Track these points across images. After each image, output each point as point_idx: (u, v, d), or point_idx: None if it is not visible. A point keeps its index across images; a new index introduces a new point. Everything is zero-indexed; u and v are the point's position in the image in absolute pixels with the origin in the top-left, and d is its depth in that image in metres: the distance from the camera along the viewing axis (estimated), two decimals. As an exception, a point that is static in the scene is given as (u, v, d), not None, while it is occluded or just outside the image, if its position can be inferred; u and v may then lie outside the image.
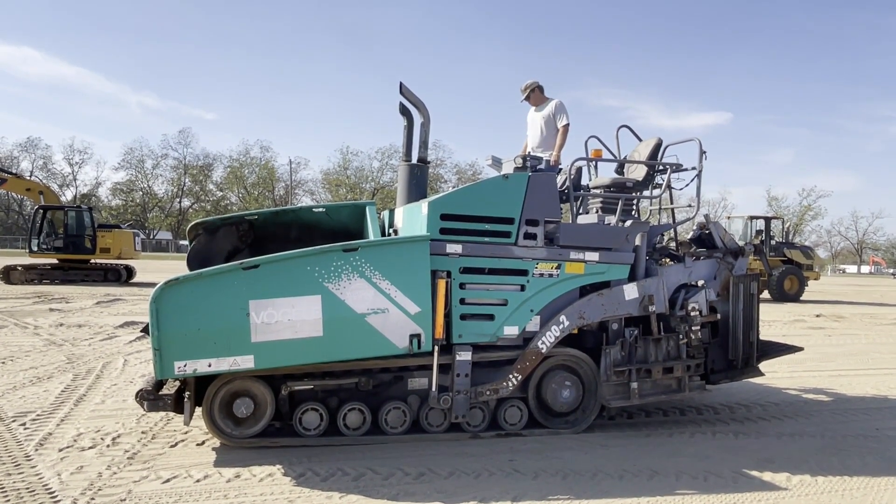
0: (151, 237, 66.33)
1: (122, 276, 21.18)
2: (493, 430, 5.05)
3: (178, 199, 70.81)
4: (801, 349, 6.33)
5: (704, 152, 5.67)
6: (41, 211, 21.09)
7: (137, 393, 4.48)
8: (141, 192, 69.68)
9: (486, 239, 4.91)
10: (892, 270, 77.10)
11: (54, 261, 20.86)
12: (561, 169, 6.42)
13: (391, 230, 5.98)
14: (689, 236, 6.32)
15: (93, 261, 21.27)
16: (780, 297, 20.76)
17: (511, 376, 4.96)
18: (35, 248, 20.70)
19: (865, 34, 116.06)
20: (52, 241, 20.90)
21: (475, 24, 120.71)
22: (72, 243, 20.94)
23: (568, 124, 6.66)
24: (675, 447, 4.94)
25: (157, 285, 4.20)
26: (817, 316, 16.01)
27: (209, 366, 4.27)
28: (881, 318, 16.08)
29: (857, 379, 7.87)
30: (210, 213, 61.65)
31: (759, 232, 21.83)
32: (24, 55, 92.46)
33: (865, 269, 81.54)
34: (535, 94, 6.85)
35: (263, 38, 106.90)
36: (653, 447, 4.92)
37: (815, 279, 23.56)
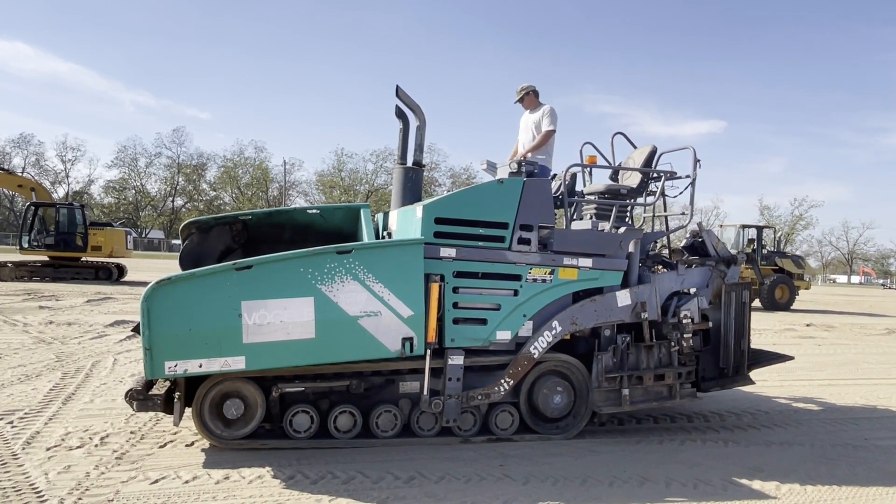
0: (143, 236, 66.07)
1: (114, 275, 21.09)
2: (484, 434, 5.04)
3: (170, 199, 70.56)
4: (791, 358, 6.35)
5: (699, 160, 5.69)
6: (33, 208, 20.97)
7: (127, 392, 4.45)
8: (134, 191, 69.42)
9: (480, 243, 4.91)
10: (881, 281, 77.62)
11: (45, 258, 20.76)
12: (555, 175, 6.44)
13: (385, 233, 5.97)
14: (682, 244, 6.34)
15: (84, 259, 21.17)
16: (771, 305, 20.86)
17: (503, 381, 4.95)
18: (26, 245, 20.58)
19: (859, 45, 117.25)
20: (44, 239, 20.81)
21: (471, 29, 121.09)
22: (63, 241, 20.85)
23: (552, 130, 6.51)
24: (666, 454, 4.94)
25: (149, 284, 4.18)
26: (808, 325, 16.09)
27: (200, 366, 4.25)
28: (871, 329, 16.18)
29: (847, 389, 7.91)
30: (203, 212, 61.46)
31: (751, 241, 21.97)
32: (16, 50, 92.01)
33: (855, 279, 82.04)
34: (530, 98, 6.83)
35: (259, 38, 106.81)
36: (643, 454, 4.92)
37: (806, 288, 23.68)
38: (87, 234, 20.95)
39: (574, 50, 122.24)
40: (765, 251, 22.17)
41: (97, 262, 21.28)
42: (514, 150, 7.12)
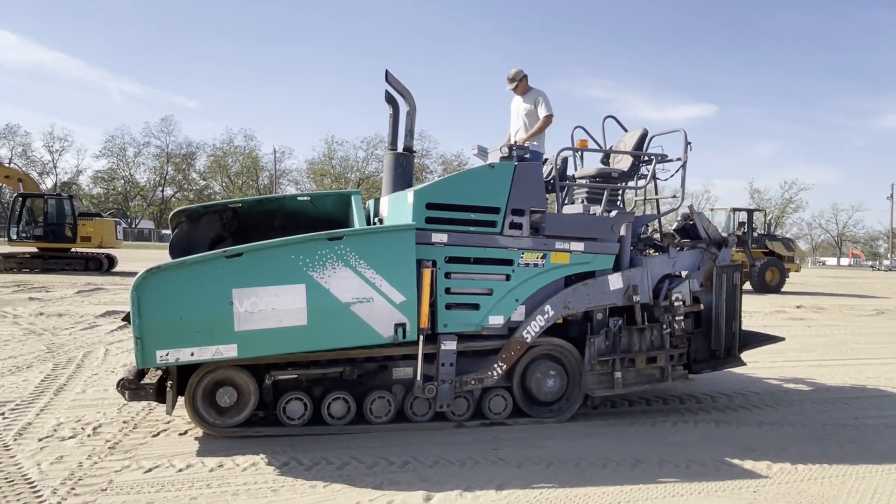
0: (133, 226, 65.66)
1: (104, 266, 20.95)
2: (477, 419, 5.06)
3: (160, 188, 70.10)
4: (782, 339, 6.40)
5: (689, 143, 5.68)
6: (20, 199, 20.77)
7: (119, 382, 4.43)
8: (122, 181, 68.90)
9: (472, 228, 4.89)
10: (870, 263, 78.19)
11: (34, 249, 20.60)
12: (546, 159, 6.42)
13: (376, 219, 5.95)
14: (673, 227, 6.35)
15: (73, 250, 21.02)
16: (762, 288, 20.98)
17: (496, 366, 4.96)
18: (14, 237, 20.42)
19: (850, 28, 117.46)
20: (32, 230, 20.65)
21: (461, 14, 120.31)
22: (52, 232, 20.69)
23: (552, 115, 6.60)
24: (658, 436, 4.98)
25: (139, 273, 4.14)
26: (798, 307, 16.20)
27: (192, 355, 4.22)
28: (860, 310, 16.30)
29: (837, 369, 7.98)
30: (193, 201, 61.04)
31: (741, 224, 22.03)
32: (1, 40, 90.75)
33: (845, 261, 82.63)
34: (522, 84, 6.84)
35: (247, 25, 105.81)
36: (636, 436, 4.95)
37: (796, 271, 23.82)
38: (76, 224, 20.80)
39: (565, 33, 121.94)
40: (755, 234, 22.27)
41: (87, 252, 21.13)
42: (508, 137, 7.09)
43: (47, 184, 63.27)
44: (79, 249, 21.09)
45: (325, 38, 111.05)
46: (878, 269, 63.19)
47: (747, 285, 20.91)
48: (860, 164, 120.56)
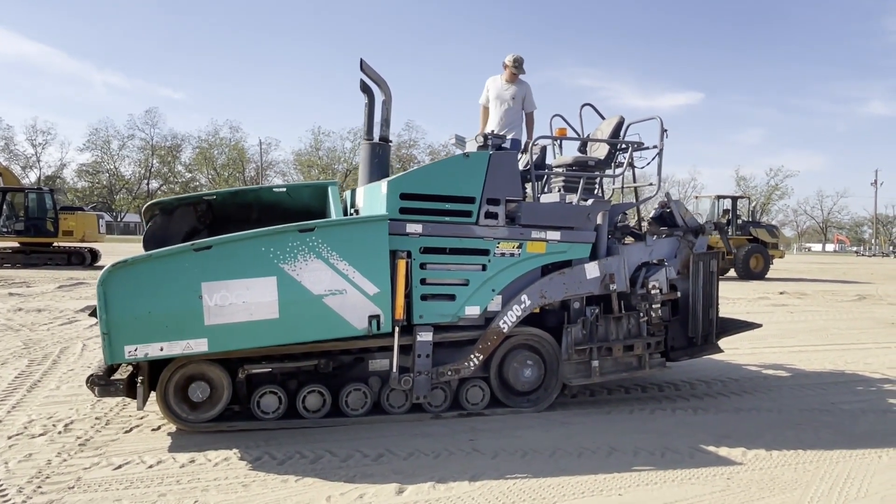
0: (119, 220, 65.05)
1: (87, 260, 20.76)
2: (454, 410, 5.04)
3: (145, 181, 69.41)
4: (759, 325, 6.41)
5: (665, 130, 5.66)
6: (0, 193, 20.50)
7: (88, 378, 4.36)
8: (107, 174, 68.13)
9: (447, 218, 4.85)
10: (855, 248, 78.93)
11: (15, 244, 20.38)
12: (523, 148, 6.39)
13: (353, 210, 5.90)
14: (650, 215, 6.33)
15: (56, 244, 20.82)
16: (746, 275, 21.09)
17: (473, 356, 4.94)
18: (-6, 232, 20.18)
19: (836, 15, 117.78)
20: (13, 224, 20.41)
21: (450, 3, 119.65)
22: (33, 226, 20.50)
23: (535, 110, 6.89)
24: (635, 424, 4.98)
25: (105, 267, 4.08)
26: (781, 293, 16.30)
27: (161, 350, 4.16)
28: (842, 295, 16.43)
29: (816, 355, 8.03)
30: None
31: (725, 211, 22.12)
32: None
33: (830, 247, 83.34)
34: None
35: (232, 15, 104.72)
36: (613, 424, 4.95)
37: (780, 257, 23.96)
38: (57, 218, 20.60)
39: (553, 23, 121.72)
40: (740, 221, 22.37)
41: (69, 247, 20.94)
42: (482, 113, 7.05)
43: (31, 178, 62.45)
44: (61, 244, 20.90)
45: (312, 29, 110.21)
46: (863, 255, 63.79)
47: (732, 272, 21.05)
48: (845, 150, 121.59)
